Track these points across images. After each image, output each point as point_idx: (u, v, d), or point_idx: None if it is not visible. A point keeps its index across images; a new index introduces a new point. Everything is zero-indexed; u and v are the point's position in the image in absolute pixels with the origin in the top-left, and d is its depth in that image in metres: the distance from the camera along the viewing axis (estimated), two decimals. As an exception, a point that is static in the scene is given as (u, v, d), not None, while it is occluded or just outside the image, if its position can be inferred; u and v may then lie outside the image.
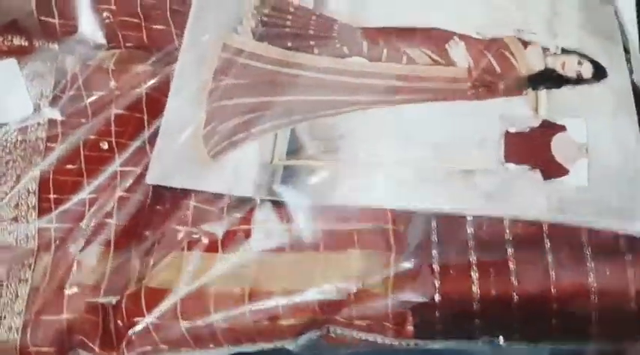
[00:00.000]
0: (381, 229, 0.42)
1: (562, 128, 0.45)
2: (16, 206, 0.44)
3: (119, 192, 0.44)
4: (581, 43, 0.48)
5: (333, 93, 0.47)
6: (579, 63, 0.47)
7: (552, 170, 0.43)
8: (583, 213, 0.42)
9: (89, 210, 0.43)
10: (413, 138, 0.45)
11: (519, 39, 0.49)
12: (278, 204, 0.43)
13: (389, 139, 0.45)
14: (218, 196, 0.44)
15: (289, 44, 0.49)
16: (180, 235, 0.43)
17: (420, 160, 0.44)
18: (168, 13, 0.49)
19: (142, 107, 0.46)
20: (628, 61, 0.48)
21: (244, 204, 0.43)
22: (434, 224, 0.42)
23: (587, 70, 0.47)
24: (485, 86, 0.47)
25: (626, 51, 0.48)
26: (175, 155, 0.45)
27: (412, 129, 0.45)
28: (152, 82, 0.47)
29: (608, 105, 0.45)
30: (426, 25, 0.50)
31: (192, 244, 0.43)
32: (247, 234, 0.42)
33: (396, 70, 0.48)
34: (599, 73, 0.47)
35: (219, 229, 0.43)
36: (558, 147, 0.44)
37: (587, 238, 0.42)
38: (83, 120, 0.46)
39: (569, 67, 0.47)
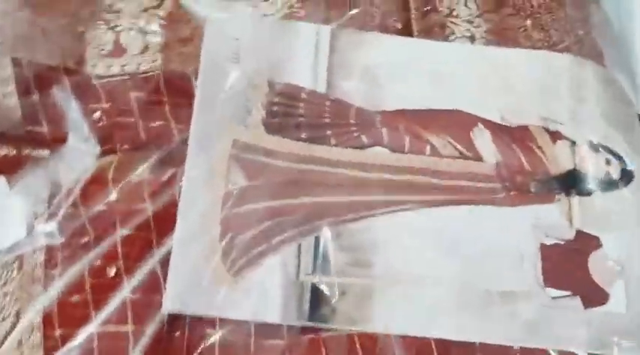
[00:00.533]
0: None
1: (597, 243, 0.43)
2: (19, 344, 0.40)
3: (131, 326, 0.40)
4: (607, 134, 0.46)
5: (356, 192, 0.44)
6: (607, 162, 0.45)
7: (592, 296, 0.42)
8: (624, 347, 0.40)
9: (99, 345, 0.40)
10: (448, 251, 0.42)
11: (546, 129, 0.46)
12: (309, 331, 0.40)
13: (424, 251, 0.42)
14: (243, 323, 0.41)
15: (303, 135, 0.45)
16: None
17: (458, 279, 0.42)
18: (166, 107, 0.45)
19: (150, 224, 0.41)
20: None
21: (272, 331, 0.40)
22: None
23: (615, 171, 0.45)
24: (516, 189, 0.44)
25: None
26: (192, 277, 0.40)
27: (446, 239, 0.43)
28: (157, 191, 0.42)
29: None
30: (447, 107, 0.46)
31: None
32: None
33: (420, 162, 0.44)
34: (627, 173, 0.45)
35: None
36: (596, 267, 0.42)
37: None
38: (84, 241, 0.41)
39: (598, 167, 0.45)
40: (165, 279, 0.41)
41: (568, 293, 0.42)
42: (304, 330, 0.41)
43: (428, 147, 0.45)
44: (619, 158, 0.45)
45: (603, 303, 0.41)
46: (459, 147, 0.45)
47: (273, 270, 0.41)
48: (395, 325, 0.40)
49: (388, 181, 0.44)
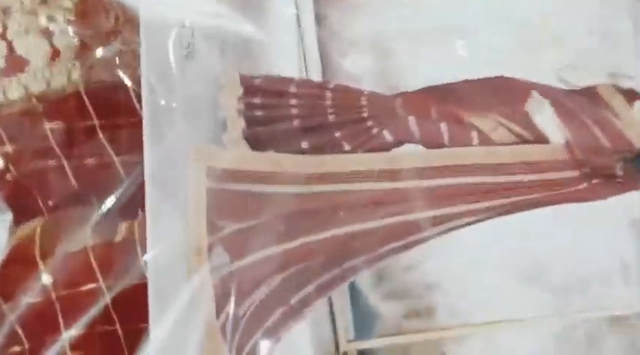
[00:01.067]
0: None
1: None
2: None
3: None
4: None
5: (391, 212, 0.31)
6: None
7: None
8: None
9: None
10: (531, 276, 0.31)
11: (617, 88, 0.35)
12: None
13: (499, 282, 0.31)
14: None
15: (304, 144, 0.32)
16: None
17: (552, 313, 0.30)
18: (100, 135, 0.31)
19: (110, 314, 0.28)
20: None
21: None
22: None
23: None
24: (599, 175, 0.33)
25: None
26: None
27: (526, 260, 0.31)
28: (112, 261, 0.29)
29: None
30: (487, 75, 0.35)
31: None
32: None
33: (469, 157, 0.33)
34: None
35: None
36: None
37: None
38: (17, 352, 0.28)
39: None
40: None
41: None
42: None
43: (474, 134, 0.33)
44: None
45: None
46: (514, 127, 0.33)
47: (302, 344, 0.29)
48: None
49: (431, 190, 0.32)
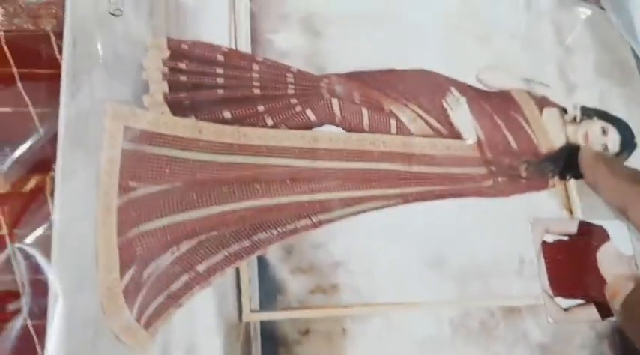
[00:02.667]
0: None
1: (604, 234, 0.35)
2: None
3: None
4: (601, 94, 0.38)
5: (306, 189, 0.32)
6: (603, 131, 0.37)
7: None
8: None
9: None
10: (434, 263, 0.32)
11: (530, 94, 0.37)
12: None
13: (403, 266, 0.31)
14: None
15: (227, 115, 0.32)
16: None
17: (450, 300, 0.32)
18: (18, 83, 0.30)
19: (11, 265, 0.27)
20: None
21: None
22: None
23: (613, 141, 0.37)
24: (505, 174, 0.34)
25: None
26: (85, 334, 0.27)
27: (428, 248, 0.32)
28: (17, 210, 0.28)
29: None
30: (411, 66, 0.36)
31: None
32: None
33: (385, 145, 0.33)
34: (626, 141, 0.37)
35: None
36: (607, 264, 0.34)
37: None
38: None
39: (593, 138, 0.36)
40: (42, 341, 0.27)
41: (581, 301, 0.33)
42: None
43: (393, 123, 0.34)
44: (616, 122, 0.37)
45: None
46: (431, 121, 0.34)
47: (205, 311, 0.29)
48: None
49: (347, 172, 0.33)
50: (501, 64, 0.37)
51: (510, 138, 0.35)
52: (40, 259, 0.28)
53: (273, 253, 0.31)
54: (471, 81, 0.36)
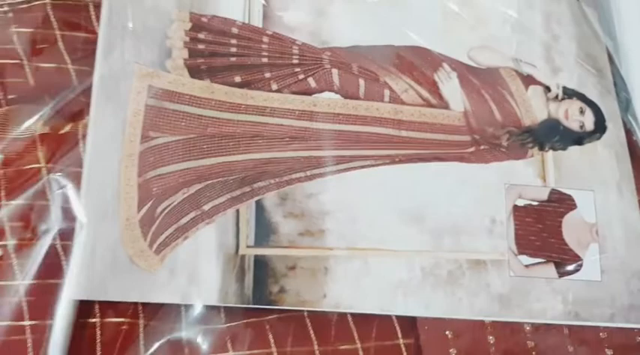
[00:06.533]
0: (390, 346, 0.34)
1: (572, 203, 0.38)
2: None
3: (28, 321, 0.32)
4: (580, 76, 0.41)
5: (303, 146, 0.36)
6: (581, 111, 0.40)
7: (567, 263, 0.37)
8: (597, 316, 0.36)
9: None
10: (412, 217, 0.36)
11: (517, 73, 0.40)
12: (252, 313, 0.33)
13: (384, 218, 0.35)
14: (172, 308, 0.33)
15: (237, 79, 0.37)
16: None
17: (423, 249, 0.35)
18: (60, 44, 0.35)
19: (45, 192, 0.33)
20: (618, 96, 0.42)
21: (208, 316, 0.33)
22: (449, 334, 0.35)
23: (589, 121, 0.40)
24: (487, 143, 0.38)
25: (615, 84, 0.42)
26: (104, 256, 0.32)
27: (410, 203, 0.36)
28: (54, 151, 0.33)
29: (614, 174, 0.39)
30: (408, 44, 0.40)
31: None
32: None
33: (378, 111, 0.37)
34: (600, 123, 0.40)
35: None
36: (570, 230, 0.37)
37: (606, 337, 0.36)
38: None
39: (572, 116, 0.39)
40: (68, 259, 0.32)
41: (542, 260, 0.37)
42: (247, 313, 0.34)
43: (386, 92, 0.38)
44: (592, 105, 0.40)
45: (578, 271, 0.37)
46: (422, 92, 0.38)
47: (207, 243, 0.34)
48: (352, 304, 0.34)
49: (341, 133, 0.37)
50: (492, 45, 0.40)
51: (495, 109, 0.39)
52: (71, 190, 0.33)
53: (269, 199, 0.35)
54: (463, 59, 0.39)
